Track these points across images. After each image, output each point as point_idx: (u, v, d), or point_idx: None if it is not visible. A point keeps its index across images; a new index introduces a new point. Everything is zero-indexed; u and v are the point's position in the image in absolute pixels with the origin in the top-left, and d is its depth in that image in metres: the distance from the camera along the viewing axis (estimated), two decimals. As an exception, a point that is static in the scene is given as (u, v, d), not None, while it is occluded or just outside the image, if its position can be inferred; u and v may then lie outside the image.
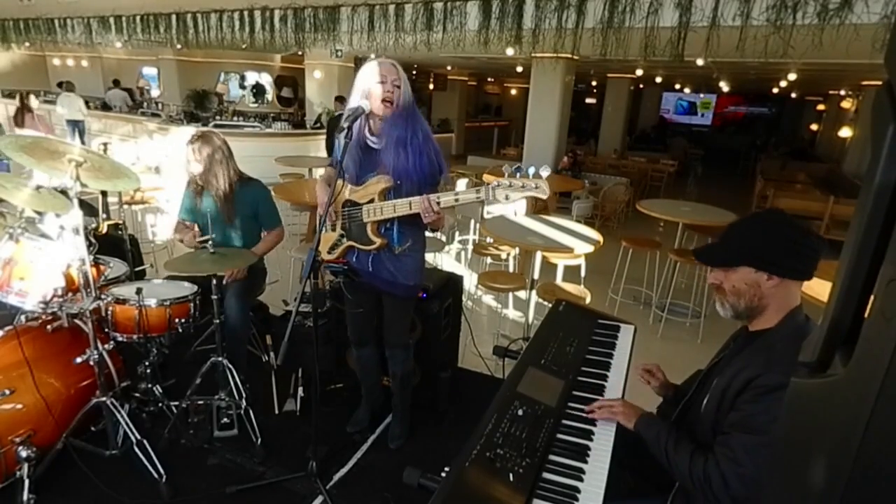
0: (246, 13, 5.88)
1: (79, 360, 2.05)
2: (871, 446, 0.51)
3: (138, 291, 2.21)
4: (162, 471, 2.10)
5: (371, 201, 1.97)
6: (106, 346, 2.15)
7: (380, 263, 2.09)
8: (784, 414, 0.73)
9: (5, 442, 1.93)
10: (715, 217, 4.16)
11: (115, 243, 3.24)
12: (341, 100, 7.65)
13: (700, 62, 6.50)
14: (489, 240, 4.09)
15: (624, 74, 11.45)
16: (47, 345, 2.19)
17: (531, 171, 1.78)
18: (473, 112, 18.01)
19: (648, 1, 3.84)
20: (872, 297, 0.55)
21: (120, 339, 2.25)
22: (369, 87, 1.90)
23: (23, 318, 2.38)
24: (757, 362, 1.24)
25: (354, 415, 2.58)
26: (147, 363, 2.40)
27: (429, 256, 3.91)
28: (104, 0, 6.87)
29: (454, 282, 2.82)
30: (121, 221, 3.64)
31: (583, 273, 3.77)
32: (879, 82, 0.56)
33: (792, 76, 7.98)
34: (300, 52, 10.33)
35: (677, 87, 16.64)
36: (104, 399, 2.11)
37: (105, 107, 11.77)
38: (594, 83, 16.40)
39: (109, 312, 2.22)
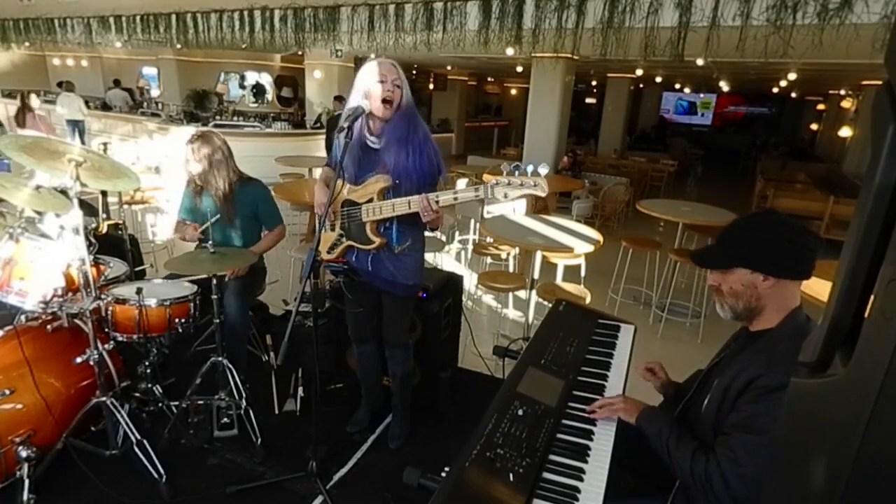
0: (246, 13, 5.88)
1: (79, 360, 2.05)
2: (871, 446, 0.51)
3: (138, 291, 2.21)
4: (162, 471, 2.10)
5: (370, 201, 1.97)
6: (106, 346, 2.15)
7: (379, 263, 2.09)
8: (784, 414, 0.73)
9: (5, 442, 1.93)
10: (715, 217, 4.16)
11: (115, 243, 3.24)
12: (340, 99, 7.65)
13: (700, 62, 6.50)
14: (489, 240, 4.09)
15: (624, 74, 11.45)
16: (47, 345, 2.19)
17: (530, 169, 1.78)
18: (473, 112, 18.01)
19: (648, 1, 3.84)
20: (872, 297, 0.55)
21: (120, 339, 2.25)
22: (369, 87, 1.90)
23: (23, 318, 2.38)
24: (758, 363, 1.24)
25: (354, 415, 2.58)
26: (147, 363, 2.40)
27: (429, 256, 3.91)
28: (104, 0, 6.88)
29: (454, 282, 2.82)
30: (121, 221, 3.64)
31: (583, 273, 3.77)
32: (879, 82, 0.56)
33: (792, 76, 7.99)
34: (300, 52, 10.33)
35: (677, 87, 16.65)
36: (104, 399, 2.11)
37: (105, 107, 11.77)
38: (594, 83, 16.40)
39: (109, 312, 2.22)
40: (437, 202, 1.85)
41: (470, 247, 5.06)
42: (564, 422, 1.44)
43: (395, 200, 1.92)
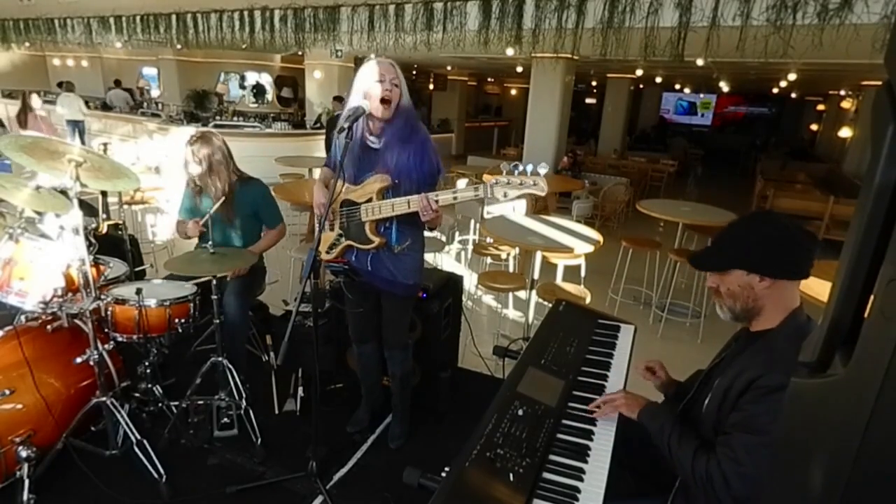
0: (246, 13, 5.87)
1: (79, 360, 2.05)
2: (871, 446, 0.51)
3: (138, 291, 2.21)
4: (162, 471, 2.10)
5: (369, 200, 1.97)
6: (106, 346, 2.15)
7: (379, 263, 2.09)
8: (784, 414, 0.73)
9: (5, 442, 1.93)
10: (715, 217, 4.16)
11: (115, 243, 3.24)
12: (340, 100, 7.65)
13: (700, 62, 6.49)
14: (489, 240, 4.09)
15: (624, 74, 11.45)
16: (47, 345, 2.19)
17: (529, 168, 1.79)
18: (473, 112, 18.00)
19: (648, 1, 3.84)
20: (872, 297, 0.55)
21: (120, 339, 2.25)
22: (367, 87, 1.90)
23: (23, 318, 2.38)
24: (759, 363, 1.24)
25: (354, 415, 2.58)
26: (147, 363, 2.40)
27: (429, 256, 3.91)
28: (104, 0, 6.87)
29: (454, 282, 2.82)
30: (121, 221, 3.65)
31: (583, 273, 3.77)
32: (879, 82, 0.56)
33: (792, 76, 7.99)
34: (300, 52, 10.33)
35: (677, 87, 16.64)
36: (104, 399, 2.11)
37: (105, 107, 11.77)
38: (594, 83, 16.40)
39: (109, 312, 2.21)
40: (436, 201, 1.85)
41: (470, 247, 5.06)
42: (564, 422, 1.44)
43: (395, 200, 1.92)
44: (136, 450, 2.12)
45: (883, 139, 0.53)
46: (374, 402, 2.59)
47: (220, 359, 2.36)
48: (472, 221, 4.92)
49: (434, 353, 2.67)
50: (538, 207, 5.34)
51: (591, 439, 1.39)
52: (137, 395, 2.43)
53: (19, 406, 2.00)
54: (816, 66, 7.14)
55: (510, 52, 5.09)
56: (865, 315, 0.57)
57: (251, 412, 2.38)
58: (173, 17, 6.44)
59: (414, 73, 14.64)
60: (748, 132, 17.82)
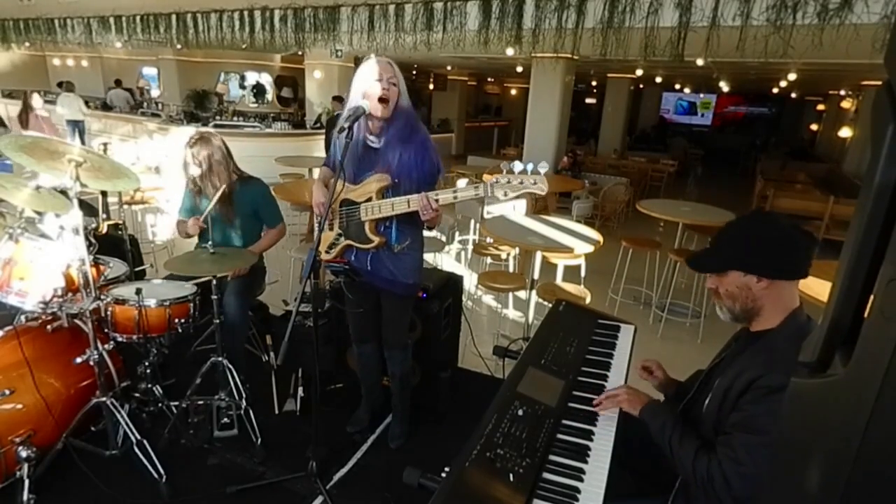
0: (246, 13, 5.88)
1: (79, 360, 2.05)
2: (871, 446, 0.51)
3: (138, 292, 2.21)
4: (162, 471, 2.10)
5: (369, 200, 1.97)
6: (106, 346, 2.15)
7: (379, 262, 2.09)
8: (784, 414, 0.73)
9: (5, 442, 1.93)
10: (715, 217, 4.16)
11: (115, 243, 3.24)
12: (339, 100, 7.65)
13: (700, 62, 6.50)
14: (489, 240, 4.09)
15: (624, 74, 11.45)
16: (47, 345, 2.19)
17: (529, 167, 1.78)
18: (473, 112, 18.00)
19: (648, 1, 3.84)
20: (872, 297, 0.55)
21: (120, 339, 2.25)
22: (366, 87, 1.90)
23: (23, 318, 2.38)
24: (759, 363, 1.24)
25: (354, 415, 2.58)
26: (147, 363, 2.40)
27: (429, 256, 3.92)
28: (104, 0, 6.87)
29: (454, 282, 2.82)
30: (121, 221, 3.64)
31: (583, 273, 3.77)
32: (879, 82, 0.56)
33: (792, 76, 7.99)
34: (300, 52, 10.33)
35: (677, 87, 16.64)
36: (104, 399, 2.11)
37: (105, 107, 11.77)
38: (594, 83, 16.40)
39: (109, 312, 2.21)
40: (436, 201, 1.85)
41: (470, 247, 5.06)
42: (564, 422, 1.44)
43: (395, 199, 1.92)
44: (136, 450, 2.12)
45: (883, 139, 0.53)
46: (374, 402, 2.59)
47: (220, 359, 2.36)
48: (472, 221, 4.92)
49: (434, 353, 2.67)
50: (538, 207, 5.34)
51: (591, 439, 1.39)
52: (137, 395, 2.43)
53: (19, 406, 2.00)
54: (816, 66, 7.14)
55: (510, 52, 5.09)
56: (865, 315, 0.57)
57: (251, 412, 2.38)
58: (173, 17, 6.44)
59: (414, 73, 14.64)
60: (748, 132, 17.82)
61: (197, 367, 2.40)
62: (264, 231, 2.76)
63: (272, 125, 9.82)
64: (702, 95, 18.67)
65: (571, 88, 7.84)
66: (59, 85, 10.44)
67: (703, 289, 4.13)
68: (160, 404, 2.43)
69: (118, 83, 12.19)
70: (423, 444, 2.50)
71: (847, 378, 0.56)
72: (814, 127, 15.61)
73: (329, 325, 2.70)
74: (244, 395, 2.40)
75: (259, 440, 2.33)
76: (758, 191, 8.51)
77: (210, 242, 2.31)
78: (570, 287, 3.36)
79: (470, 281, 4.28)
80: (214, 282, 2.30)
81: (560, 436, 1.39)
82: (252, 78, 12.85)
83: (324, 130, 8.12)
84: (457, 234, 5.43)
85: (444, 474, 1.22)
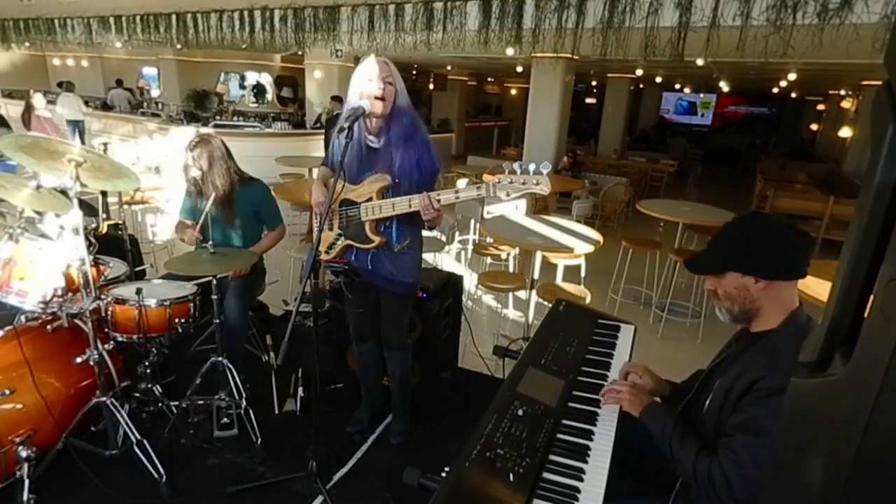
0: (246, 13, 5.88)
1: (79, 360, 2.05)
2: (871, 446, 0.51)
3: (138, 291, 2.21)
4: (162, 471, 2.10)
5: (369, 200, 1.97)
6: (106, 346, 2.15)
7: (379, 262, 2.09)
8: (784, 414, 0.73)
9: (5, 442, 1.93)
10: (715, 217, 4.16)
11: (115, 243, 3.24)
12: (338, 100, 7.64)
13: (700, 62, 6.50)
14: (489, 240, 4.09)
15: (624, 74, 11.45)
16: (47, 345, 2.19)
17: (531, 167, 1.78)
18: (473, 112, 18.01)
19: (648, 1, 3.84)
20: (872, 297, 0.55)
21: (120, 339, 2.25)
22: (362, 86, 1.91)
23: (23, 318, 2.37)
24: (760, 364, 1.23)
25: (354, 415, 2.58)
26: (147, 363, 2.40)
27: (429, 256, 3.92)
28: (104, 0, 6.88)
29: (454, 282, 2.82)
30: (121, 221, 3.64)
31: (583, 273, 3.77)
32: (879, 82, 0.56)
33: (792, 76, 7.99)
34: (300, 52, 10.33)
35: (677, 87, 16.65)
36: (104, 399, 2.11)
37: (105, 107, 11.78)
38: (594, 83, 16.39)
39: (109, 312, 2.21)
40: (438, 201, 1.85)
41: (470, 247, 5.06)
42: (564, 422, 1.44)
43: (396, 199, 1.92)
44: (136, 450, 2.12)
45: (883, 139, 0.53)
46: (374, 402, 2.59)
47: (220, 359, 2.36)
48: (472, 221, 4.92)
49: (434, 353, 2.67)
50: (538, 207, 5.34)
51: (592, 439, 1.39)
52: (137, 394, 2.43)
53: (19, 406, 2.00)
54: (816, 66, 7.14)
55: (510, 51, 5.09)
56: (865, 315, 0.57)
57: (251, 412, 2.38)
58: (173, 17, 6.44)
59: (414, 73, 14.64)
60: (748, 132, 17.83)
61: (197, 367, 2.40)
62: (264, 233, 2.76)
63: (272, 125, 9.82)
64: (702, 95, 18.68)
65: (571, 88, 7.84)
66: (59, 85, 10.45)
67: (703, 289, 4.13)
68: (160, 404, 2.43)
69: (119, 83, 12.21)
70: (423, 444, 2.50)
71: (847, 378, 0.56)
72: (814, 127, 15.61)
73: (329, 324, 2.70)
74: (244, 395, 2.40)
75: (259, 440, 2.33)
76: (758, 191, 8.51)
77: (210, 243, 2.31)
78: (570, 287, 3.36)
79: (470, 281, 4.27)
80: (214, 282, 2.30)
81: (560, 435, 1.39)
82: (252, 78, 12.85)
83: (323, 130, 8.12)
84: (457, 233, 5.43)
85: (444, 474, 1.22)
